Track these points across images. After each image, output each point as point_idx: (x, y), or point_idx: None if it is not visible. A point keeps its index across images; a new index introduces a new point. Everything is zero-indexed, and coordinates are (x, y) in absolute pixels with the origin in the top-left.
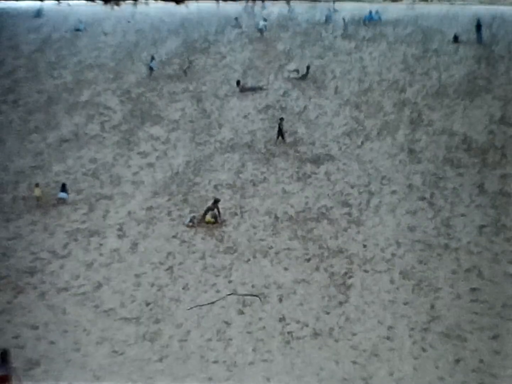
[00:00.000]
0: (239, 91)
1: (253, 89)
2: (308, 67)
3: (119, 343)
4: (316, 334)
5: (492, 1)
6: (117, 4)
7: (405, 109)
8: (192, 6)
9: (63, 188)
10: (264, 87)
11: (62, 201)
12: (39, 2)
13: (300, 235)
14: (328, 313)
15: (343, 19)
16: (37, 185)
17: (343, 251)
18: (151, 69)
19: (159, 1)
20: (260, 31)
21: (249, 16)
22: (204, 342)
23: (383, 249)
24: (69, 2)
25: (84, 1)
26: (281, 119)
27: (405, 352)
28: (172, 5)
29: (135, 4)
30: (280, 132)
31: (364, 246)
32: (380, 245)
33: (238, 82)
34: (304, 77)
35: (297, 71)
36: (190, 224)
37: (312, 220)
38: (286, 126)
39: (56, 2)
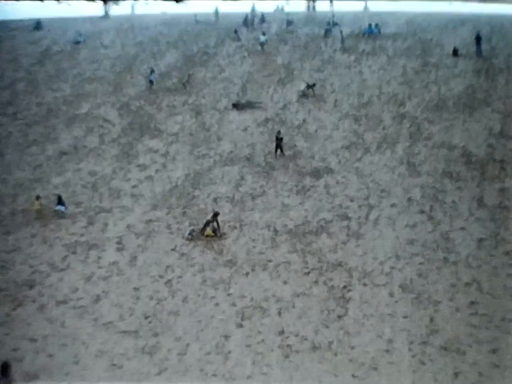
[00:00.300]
0: (238, 109)
1: (250, 106)
2: (314, 85)
3: (118, 356)
4: (315, 348)
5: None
6: (116, 4)
7: (404, 123)
8: (191, 6)
9: (60, 201)
10: (260, 104)
11: (60, 213)
12: (38, 18)
13: (299, 248)
14: (327, 327)
15: (340, 32)
16: (38, 197)
17: (342, 264)
18: (151, 82)
19: (159, 0)
20: (262, 45)
21: (248, 30)
22: (203, 355)
23: (382, 262)
24: (69, 2)
25: (84, 1)
26: (278, 132)
27: (404, 366)
28: (171, 4)
29: (135, 3)
30: (279, 145)
31: (363, 259)
32: (379, 258)
33: (234, 105)
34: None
35: (310, 86)
36: (189, 237)
37: (311, 233)
38: (285, 139)
39: (56, 2)
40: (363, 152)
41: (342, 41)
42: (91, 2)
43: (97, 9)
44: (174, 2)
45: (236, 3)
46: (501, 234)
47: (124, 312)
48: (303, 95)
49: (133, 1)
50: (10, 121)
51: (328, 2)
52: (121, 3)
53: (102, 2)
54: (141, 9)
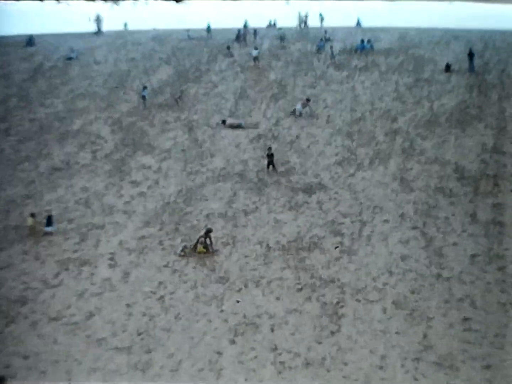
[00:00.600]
0: (225, 127)
1: (239, 126)
2: (307, 100)
3: (110, 373)
4: (308, 364)
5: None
6: (116, 4)
7: (397, 138)
8: (192, 6)
9: (49, 221)
10: (246, 124)
11: (50, 234)
12: (30, 34)
13: (292, 264)
14: (320, 343)
15: (330, 48)
16: (32, 215)
17: (335, 281)
18: (143, 98)
19: (159, 0)
20: (255, 59)
21: (241, 45)
22: (195, 372)
23: (375, 278)
24: (68, 2)
25: (84, 1)
26: (269, 148)
27: (397, 382)
28: (171, 4)
29: (135, 3)
30: (271, 162)
31: (356, 275)
32: (372, 274)
33: (223, 121)
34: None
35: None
36: (182, 253)
37: (304, 250)
38: (278, 155)
39: (56, 2)
40: (355, 168)
41: (332, 57)
42: (91, 2)
43: (90, 25)
44: (174, 2)
45: (229, 18)
46: (494, 249)
47: (117, 329)
48: (299, 115)
49: (133, 1)
50: (2, 137)
51: (319, 18)
52: (121, 3)
53: (97, 20)
54: (134, 25)
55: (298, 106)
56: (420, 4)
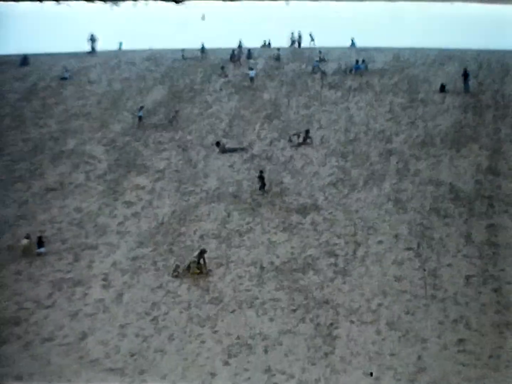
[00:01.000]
0: (219, 152)
1: (234, 150)
2: (307, 131)
3: None
4: None
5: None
6: (116, 5)
7: (391, 159)
8: (191, 7)
9: (40, 242)
10: (246, 147)
11: (43, 254)
12: (24, 53)
13: (286, 285)
14: (313, 364)
15: (321, 69)
16: (27, 236)
17: (329, 302)
18: (139, 118)
19: (159, 0)
20: (251, 79)
21: (235, 65)
22: None
23: (369, 299)
24: (69, 2)
25: (84, 2)
26: (260, 171)
27: None
28: (171, 5)
29: (135, 4)
30: (262, 183)
31: (350, 296)
32: (366, 295)
33: (217, 143)
34: (304, 141)
35: (297, 135)
36: (175, 274)
37: (298, 271)
38: (272, 176)
39: (56, 2)
40: (350, 188)
41: (323, 77)
42: (91, 3)
43: (84, 45)
44: (174, 3)
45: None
46: (489, 270)
47: (110, 350)
48: (298, 144)
49: (134, 1)
50: None
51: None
52: (121, 3)
53: (91, 40)
54: (128, 45)
55: (294, 136)
56: (416, 23)
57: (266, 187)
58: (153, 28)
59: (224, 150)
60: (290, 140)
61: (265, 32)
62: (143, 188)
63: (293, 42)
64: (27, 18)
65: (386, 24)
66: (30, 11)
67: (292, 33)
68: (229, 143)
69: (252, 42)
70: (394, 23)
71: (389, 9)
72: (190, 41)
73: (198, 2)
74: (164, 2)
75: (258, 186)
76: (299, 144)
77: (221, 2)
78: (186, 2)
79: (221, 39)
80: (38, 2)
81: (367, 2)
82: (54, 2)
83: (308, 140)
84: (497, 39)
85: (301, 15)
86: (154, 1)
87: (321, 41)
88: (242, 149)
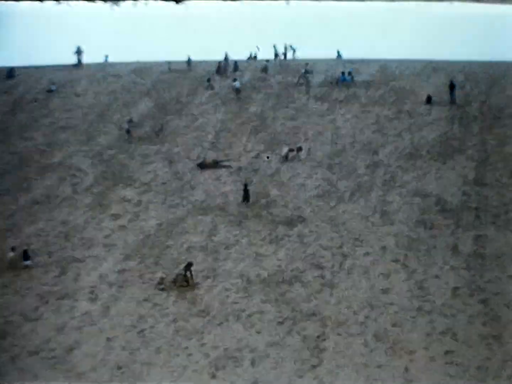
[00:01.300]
0: (199, 169)
1: (218, 167)
2: (300, 148)
3: None
4: None
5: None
6: (117, 4)
7: (378, 171)
8: (191, 6)
9: (25, 255)
10: (230, 164)
11: (29, 267)
12: (11, 66)
13: (273, 298)
14: (301, 377)
15: (307, 79)
16: (13, 248)
17: (316, 314)
18: (128, 131)
19: (159, 0)
20: (237, 91)
21: (221, 78)
22: None
23: (356, 311)
24: (69, 2)
25: (84, 2)
26: (245, 185)
27: None
28: (171, 4)
29: (135, 4)
30: (246, 195)
31: (337, 308)
32: (353, 307)
33: (201, 164)
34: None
35: (292, 150)
36: (161, 286)
37: (285, 283)
38: (258, 188)
39: (56, 2)
40: (336, 200)
41: (308, 90)
42: (91, 3)
43: (70, 57)
44: (174, 2)
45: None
46: (476, 282)
47: (97, 363)
48: (286, 159)
49: (134, 1)
50: None
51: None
52: (121, 3)
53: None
54: (114, 57)
55: (285, 150)
56: (402, 35)
57: (253, 199)
58: (153, 28)
59: (207, 167)
60: (286, 158)
61: (265, 32)
62: (129, 200)
63: (276, 55)
64: (27, 18)
65: (380, 28)
66: (30, 11)
67: (275, 46)
68: (215, 156)
69: (239, 54)
70: (386, 30)
71: (386, 10)
72: (188, 46)
73: (198, 2)
74: (164, 2)
75: (242, 198)
76: (286, 158)
77: (221, 2)
78: (186, 2)
79: (221, 39)
80: (38, 2)
81: (367, 2)
82: (54, 2)
83: (294, 153)
84: (486, 49)
85: (301, 15)
86: (154, 1)
87: (308, 53)
88: (226, 166)
